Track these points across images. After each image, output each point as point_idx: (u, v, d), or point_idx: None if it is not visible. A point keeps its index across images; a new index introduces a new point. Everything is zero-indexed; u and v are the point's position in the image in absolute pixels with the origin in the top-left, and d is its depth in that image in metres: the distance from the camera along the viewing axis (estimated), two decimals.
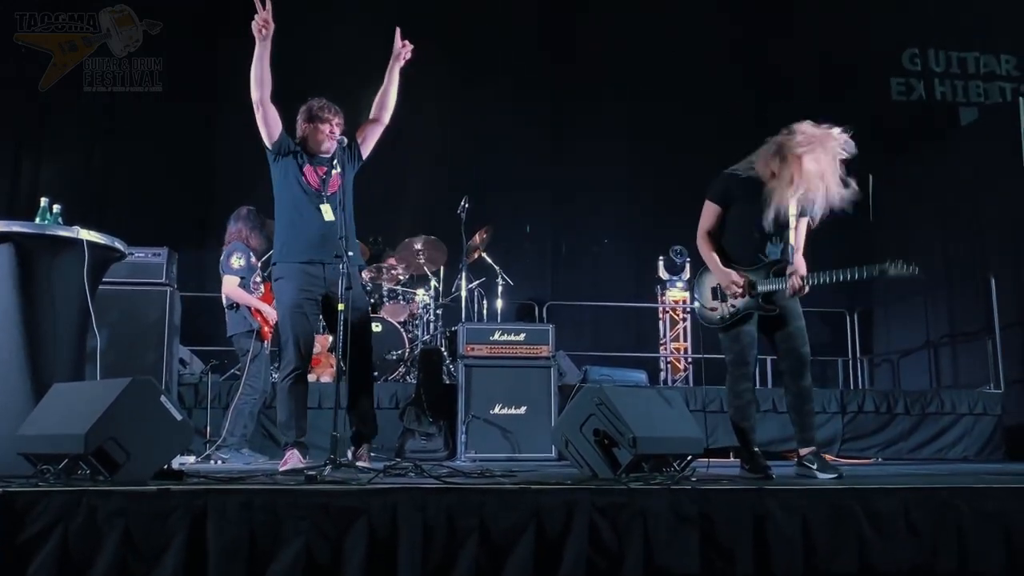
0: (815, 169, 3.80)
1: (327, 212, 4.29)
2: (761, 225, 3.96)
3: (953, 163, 9.44)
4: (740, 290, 3.95)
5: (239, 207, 5.98)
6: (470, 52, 10.11)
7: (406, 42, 4.45)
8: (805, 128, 3.88)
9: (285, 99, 4.60)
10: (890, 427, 7.09)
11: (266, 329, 5.69)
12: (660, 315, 10.29)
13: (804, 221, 4.07)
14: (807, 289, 3.92)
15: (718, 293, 4.05)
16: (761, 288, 3.97)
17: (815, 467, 3.92)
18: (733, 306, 4.00)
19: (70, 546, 2.43)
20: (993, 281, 8.12)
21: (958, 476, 4.09)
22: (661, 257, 10.34)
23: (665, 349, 10.35)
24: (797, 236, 4.04)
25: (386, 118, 4.61)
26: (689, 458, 3.59)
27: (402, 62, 4.46)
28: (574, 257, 10.31)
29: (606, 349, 9.01)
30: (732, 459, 6.80)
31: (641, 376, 8.22)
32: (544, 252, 10.45)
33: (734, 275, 3.96)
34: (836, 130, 3.89)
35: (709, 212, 4.11)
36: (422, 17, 9.79)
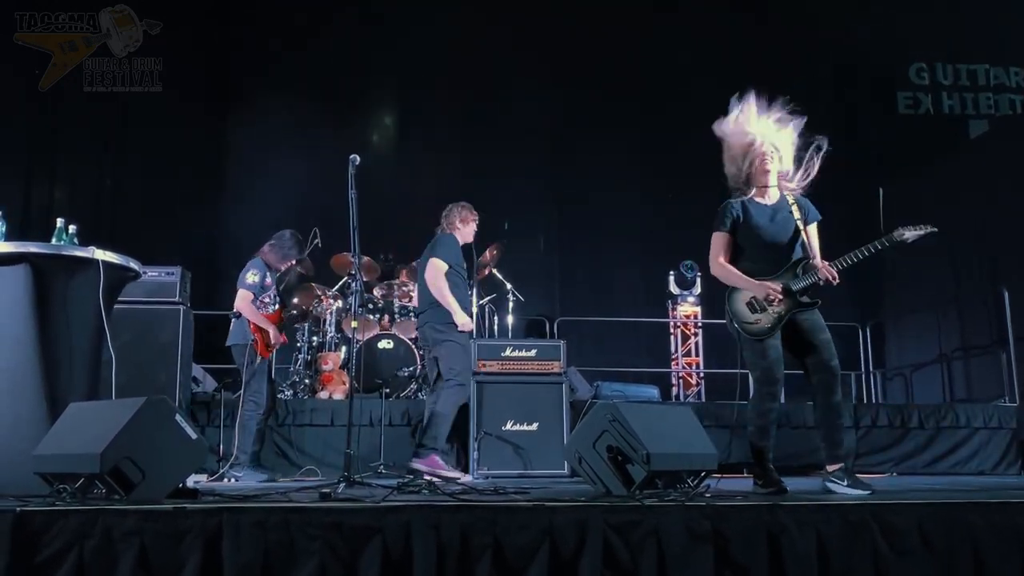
0: (759, 136, 4.13)
1: None
2: (770, 233, 4.09)
3: (963, 175, 9.42)
4: (779, 295, 3.97)
5: (284, 230, 6.00)
6: (480, 72, 10.18)
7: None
8: (728, 120, 4.27)
9: None
10: (904, 441, 7.04)
11: (262, 344, 5.70)
12: (671, 330, 10.27)
13: (813, 227, 4.20)
14: (835, 272, 3.98)
15: (755, 306, 4.06)
16: (796, 286, 4.01)
17: (845, 483, 3.89)
18: (776, 312, 4.01)
19: (86, 566, 2.44)
20: (1006, 294, 8.08)
21: (974, 491, 4.06)
22: (672, 272, 10.34)
23: (677, 364, 10.33)
24: (810, 241, 4.15)
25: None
26: (703, 474, 3.58)
27: None
28: (584, 272, 10.31)
29: (617, 365, 8.99)
30: (745, 475, 6.78)
31: (653, 391, 8.20)
32: (554, 268, 10.47)
33: (768, 283, 4.00)
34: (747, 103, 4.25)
35: (718, 242, 4.20)
36: (432, 36, 9.88)
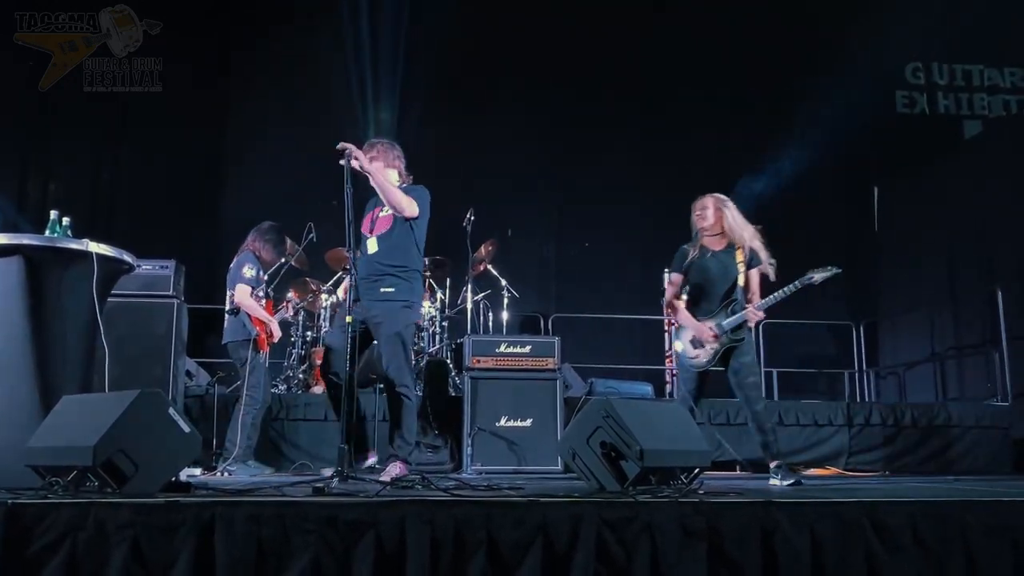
0: (733, 222, 4.94)
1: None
2: (713, 278, 4.92)
3: (958, 175, 9.44)
4: (713, 336, 4.82)
5: (263, 222, 6.01)
6: (477, 68, 10.17)
7: (344, 145, 4.39)
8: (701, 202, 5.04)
9: None
10: (897, 440, 7.05)
11: (263, 338, 5.69)
12: (666, 327, 10.27)
13: (754, 271, 4.93)
14: (762, 314, 4.82)
15: (696, 343, 4.90)
16: (727, 325, 4.83)
17: (779, 477, 4.63)
18: (712, 348, 4.84)
19: (78, 559, 2.43)
20: (1000, 293, 8.10)
21: (966, 489, 4.07)
22: (667, 270, 10.33)
23: (671, 362, 10.33)
24: (749, 282, 4.92)
25: (403, 211, 4.70)
26: (696, 471, 3.58)
27: (356, 164, 4.42)
28: (579, 269, 10.31)
29: (612, 362, 8.99)
30: (738, 472, 6.80)
31: (647, 388, 8.20)
32: (549, 264, 10.47)
33: (704, 327, 4.84)
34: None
35: (672, 282, 5.10)
36: (429, 32, 9.87)
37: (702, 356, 4.86)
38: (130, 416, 2.92)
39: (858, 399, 9.83)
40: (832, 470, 6.88)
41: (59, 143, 9.85)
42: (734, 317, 4.80)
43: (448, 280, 8.18)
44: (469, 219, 7.20)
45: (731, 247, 4.94)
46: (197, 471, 5.32)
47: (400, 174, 4.90)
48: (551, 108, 10.43)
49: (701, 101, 10.36)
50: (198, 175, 9.90)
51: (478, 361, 5.98)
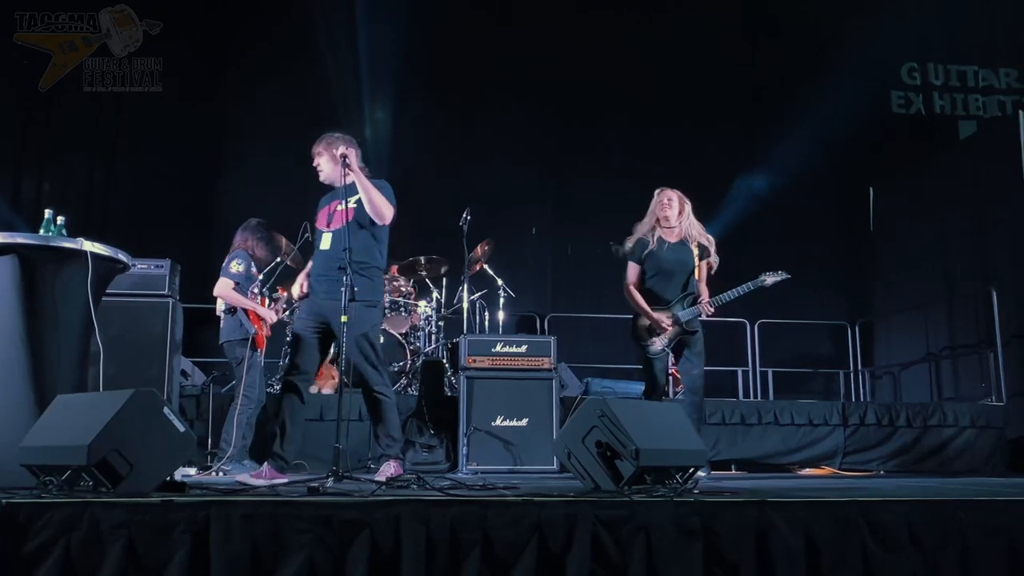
0: (691, 217, 5.29)
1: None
2: (671, 268, 5.19)
3: (953, 176, 9.46)
4: (668, 324, 5.13)
5: (250, 219, 6.00)
6: (474, 68, 10.18)
7: (342, 151, 4.37)
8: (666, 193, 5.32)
9: None
10: (892, 440, 7.07)
11: (261, 336, 5.68)
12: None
13: (704, 263, 5.25)
14: (712, 309, 5.16)
15: (652, 331, 5.18)
16: (683, 317, 5.15)
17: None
18: (667, 337, 5.16)
19: (73, 558, 2.43)
20: (995, 294, 8.12)
21: (961, 489, 4.08)
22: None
23: None
24: (700, 273, 5.24)
25: (384, 219, 4.54)
26: (692, 470, 3.59)
27: (350, 168, 4.38)
28: (575, 269, 10.31)
29: (607, 361, 9.00)
30: (734, 471, 6.81)
31: (643, 388, 8.19)
32: (545, 264, 10.47)
33: (662, 316, 5.14)
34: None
35: (631, 271, 5.31)
36: (426, 32, 9.87)
37: (657, 344, 5.18)
38: (125, 415, 2.91)
39: (853, 399, 9.84)
40: (827, 470, 6.89)
41: (55, 142, 9.83)
42: (690, 309, 5.15)
43: (444, 280, 8.18)
44: (465, 219, 7.20)
45: (684, 240, 5.25)
46: (192, 471, 5.31)
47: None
48: (548, 107, 10.44)
49: (697, 102, 10.37)
50: (194, 174, 9.89)
51: (474, 361, 5.97)
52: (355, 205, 4.53)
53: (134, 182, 9.76)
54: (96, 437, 2.81)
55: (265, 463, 4.40)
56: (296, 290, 4.72)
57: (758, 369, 9.45)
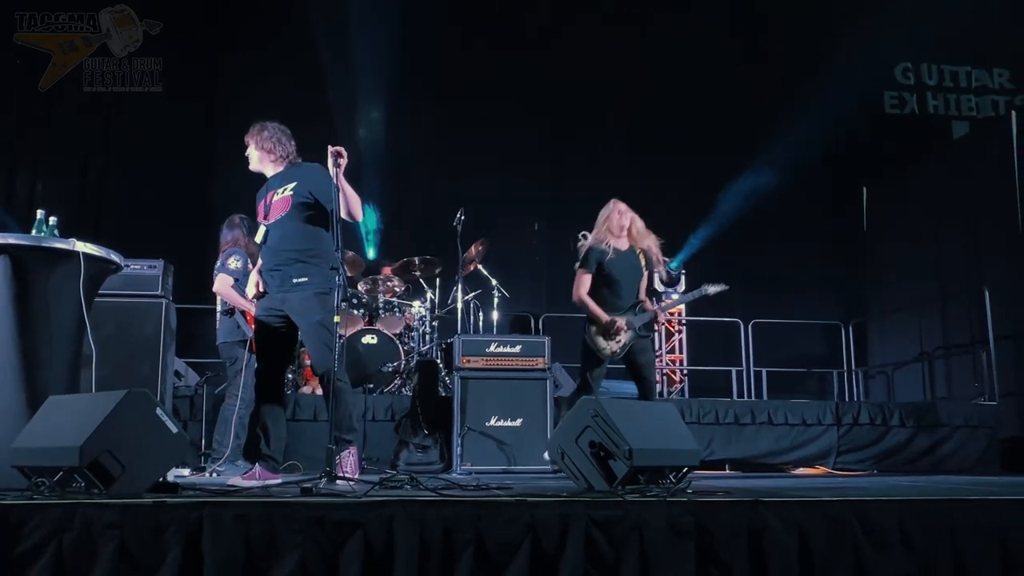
0: (642, 226, 5.37)
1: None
2: (623, 276, 5.31)
3: (946, 176, 9.49)
4: (623, 329, 5.24)
5: (231, 215, 5.98)
6: (469, 68, 10.18)
7: (339, 149, 4.34)
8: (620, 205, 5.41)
9: None
10: (885, 439, 7.09)
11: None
12: (655, 327, 10.29)
13: (645, 274, 5.42)
14: (664, 316, 5.50)
15: (608, 334, 5.27)
16: (638, 321, 5.29)
17: None
18: (619, 341, 5.26)
19: (65, 559, 2.42)
20: (987, 293, 8.14)
21: (953, 488, 4.09)
22: (577, 265, 10.37)
23: (661, 361, 10.35)
24: (643, 283, 5.42)
25: (355, 217, 4.43)
26: (685, 470, 3.59)
27: (340, 168, 4.34)
28: (569, 269, 10.32)
29: None
30: (728, 471, 6.82)
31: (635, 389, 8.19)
32: (540, 264, 10.47)
33: (617, 320, 5.24)
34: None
35: (583, 279, 5.40)
36: (421, 34, 9.87)
37: (613, 347, 5.27)
38: (117, 416, 2.90)
39: (847, 398, 9.87)
40: (821, 469, 6.91)
41: (49, 142, 9.81)
42: (644, 315, 5.31)
43: (438, 280, 8.17)
44: (459, 219, 7.19)
45: (633, 249, 5.37)
46: (186, 472, 5.30)
47: (271, 154, 4.56)
48: (542, 107, 10.44)
49: (691, 103, 10.38)
50: (188, 174, 9.87)
51: (468, 361, 5.97)
52: (291, 193, 4.40)
53: (128, 182, 9.74)
54: (88, 438, 2.80)
55: (256, 464, 4.39)
56: (251, 289, 4.61)
57: (752, 369, 9.46)
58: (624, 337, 5.26)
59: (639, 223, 5.40)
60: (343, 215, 4.27)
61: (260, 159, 4.57)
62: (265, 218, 4.49)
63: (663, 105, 10.36)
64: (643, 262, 5.40)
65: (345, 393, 4.46)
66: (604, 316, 5.26)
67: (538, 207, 10.48)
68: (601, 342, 5.29)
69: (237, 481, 4.15)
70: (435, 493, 3.08)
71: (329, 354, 4.27)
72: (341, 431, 4.38)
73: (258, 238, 4.52)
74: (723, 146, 10.38)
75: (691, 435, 3.84)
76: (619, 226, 5.37)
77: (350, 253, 7.88)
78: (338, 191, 4.13)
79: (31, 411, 3.31)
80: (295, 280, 4.31)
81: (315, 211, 4.37)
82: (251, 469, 4.50)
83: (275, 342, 4.45)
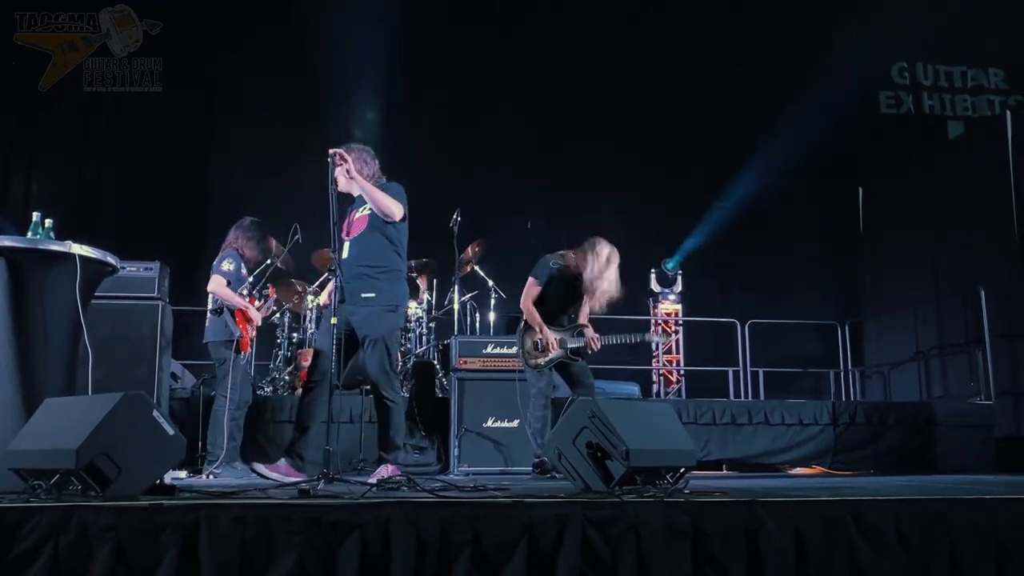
0: (610, 273, 5.48)
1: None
2: (565, 296, 5.53)
3: (942, 176, 9.51)
4: (555, 346, 5.45)
5: (243, 217, 5.99)
6: (466, 69, 10.18)
7: (339, 151, 4.39)
8: (604, 245, 5.53)
9: None
10: (882, 439, 7.09)
11: (246, 339, 5.66)
12: (652, 328, 10.29)
13: (587, 299, 5.54)
14: (599, 345, 5.55)
15: (538, 346, 5.47)
16: (570, 345, 5.50)
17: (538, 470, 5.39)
18: (550, 356, 5.46)
19: (61, 562, 2.41)
20: (983, 292, 8.16)
21: (950, 488, 4.10)
22: (653, 270, 10.38)
23: (658, 362, 10.36)
24: (584, 308, 5.59)
25: (393, 216, 4.60)
26: (682, 471, 3.59)
27: (343, 170, 4.42)
28: None
29: (598, 362, 8.97)
30: (725, 471, 6.82)
31: (634, 389, 8.22)
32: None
33: (553, 337, 5.46)
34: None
35: (533, 289, 5.59)
36: (419, 35, 9.87)
37: (540, 359, 5.48)
38: (114, 418, 2.89)
39: (843, 398, 9.88)
40: (817, 469, 6.92)
41: (46, 144, 9.80)
42: (579, 339, 5.52)
43: (435, 281, 8.17)
44: (456, 220, 7.19)
45: (579, 275, 5.49)
46: (183, 474, 5.29)
47: (373, 177, 4.75)
48: (539, 109, 10.45)
49: (687, 103, 10.40)
50: (185, 176, 9.87)
51: (465, 362, 5.98)
52: (368, 212, 4.63)
53: (126, 183, 9.74)
54: (84, 441, 2.80)
55: (282, 459, 4.44)
56: (324, 298, 4.98)
57: (748, 369, 9.47)
58: (552, 354, 5.47)
59: (610, 271, 5.54)
60: (382, 214, 4.53)
61: (347, 183, 4.64)
62: (347, 235, 4.69)
63: (660, 106, 10.38)
64: (584, 289, 5.52)
65: (394, 413, 4.55)
66: (543, 327, 5.47)
67: (535, 208, 10.49)
68: (533, 351, 5.50)
69: (263, 471, 4.29)
70: (432, 494, 3.08)
71: (382, 372, 4.47)
72: (384, 448, 4.53)
73: (347, 251, 4.65)
74: (720, 146, 10.39)
75: (688, 435, 3.84)
76: (585, 266, 5.50)
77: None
78: (336, 194, 4.19)
79: (27, 413, 3.30)
80: (363, 295, 4.50)
81: (388, 229, 4.60)
82: (254, 467, 4.53)
83: (338, 351, 4.48)
